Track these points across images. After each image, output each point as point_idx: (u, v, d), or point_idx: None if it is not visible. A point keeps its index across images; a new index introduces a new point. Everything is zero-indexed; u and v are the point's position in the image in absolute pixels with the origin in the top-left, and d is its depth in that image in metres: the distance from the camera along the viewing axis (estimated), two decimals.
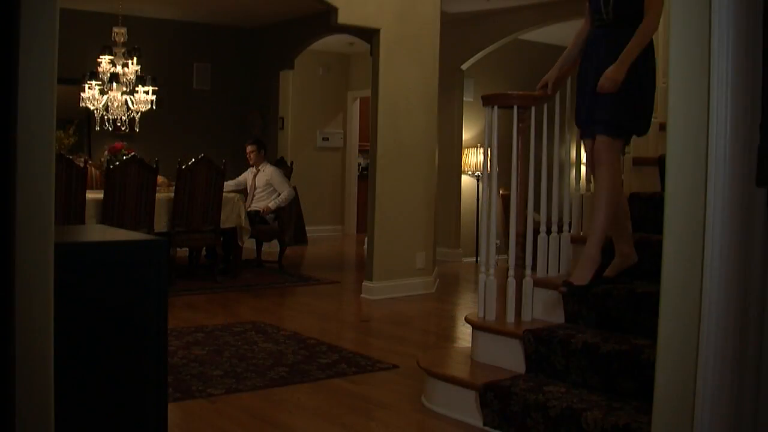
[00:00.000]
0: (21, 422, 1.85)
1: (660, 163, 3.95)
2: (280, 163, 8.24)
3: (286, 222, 8.00)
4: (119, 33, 7.43)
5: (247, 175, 8.02)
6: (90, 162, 7.51)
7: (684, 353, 2.21)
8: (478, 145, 9.16)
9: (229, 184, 7.54)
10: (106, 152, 7.33)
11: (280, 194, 7.75)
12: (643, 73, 3.41)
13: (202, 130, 9.37)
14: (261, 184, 7.84)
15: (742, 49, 2.13)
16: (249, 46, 9.77)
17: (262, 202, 7.78)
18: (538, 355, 3.39)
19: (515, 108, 3.68)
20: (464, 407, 3.40)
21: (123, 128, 7.80)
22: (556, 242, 3.82)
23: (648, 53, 3.43)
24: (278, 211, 7.77)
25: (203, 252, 7.76)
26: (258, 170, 7.89)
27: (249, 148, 7.88)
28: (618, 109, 3.38)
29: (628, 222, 3.60)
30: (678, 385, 2.23)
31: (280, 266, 7.88)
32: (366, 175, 9.30)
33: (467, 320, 3.81)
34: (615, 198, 3.42)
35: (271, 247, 8.60)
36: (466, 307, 6.30)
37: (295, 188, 7.96)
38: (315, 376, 4.11)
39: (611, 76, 3.34)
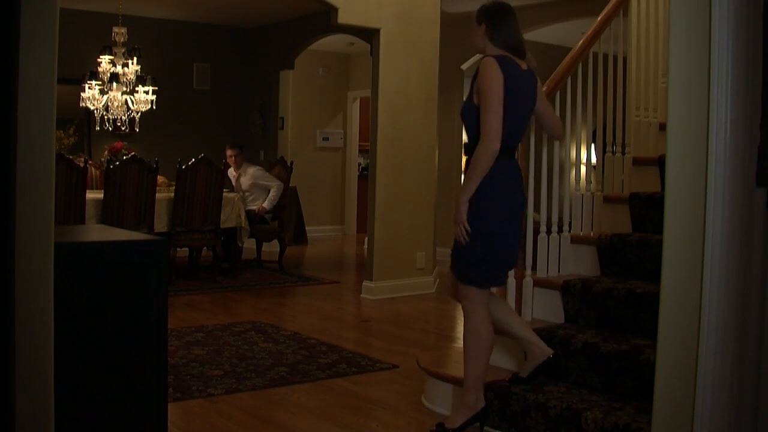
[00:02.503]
0: (21, 422, 1.85)
1: (660, 163, 3.95)
2: (281, 163, 8.21)
3: (287, 222, 7.99)
4: (119, 33, 7.43)
5: (230, 177, 7.90)
6: (90, 162, 7.51)
7: (684, 353, 2.21)
8: None
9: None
10: (106, 152, 7.32)
11: (269, 191, 7.72)
12: (484, 215, 3.03)
13: (202, 130, 9.37)
14: (247, 186, 7.79)
15: (742, 48, 2.13)
16: (249, 46, 9.77)
17: (255, 203, 7.76)
18: None
19: None
20: None
21: (123, 128, 7.80)
22: (556, 242, 3.82)
23: (488, 191, 3.01)
24: (275, 210, 7.76)
25: (203, 252, 7.76)
26: (239, 173, 7.83)
27: (231, 152, 7.70)
28: (462, 259, 3.11)
29: (519, 325, 3.29)
30: (678, 385, 2.23)
31: (281, 266, 7.88)
32: (366, 175, 9.30)
33: None
34: (481, 343, 3.11)
35: (271, 247, 8.60)
36: None
37: (282, 182, 7.91)
38: (315, 376, 4.11)
39: (454, 218, 3.05)
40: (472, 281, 3.11)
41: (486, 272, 3.11)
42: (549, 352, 3.22)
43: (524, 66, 3.15)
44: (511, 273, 3.70)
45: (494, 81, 2.98)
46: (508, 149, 3.09)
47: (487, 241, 3.06)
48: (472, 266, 3.09)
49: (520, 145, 3.61)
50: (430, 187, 6.91)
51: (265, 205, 7.67)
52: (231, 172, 7.87)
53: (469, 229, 3.02)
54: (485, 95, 2.99)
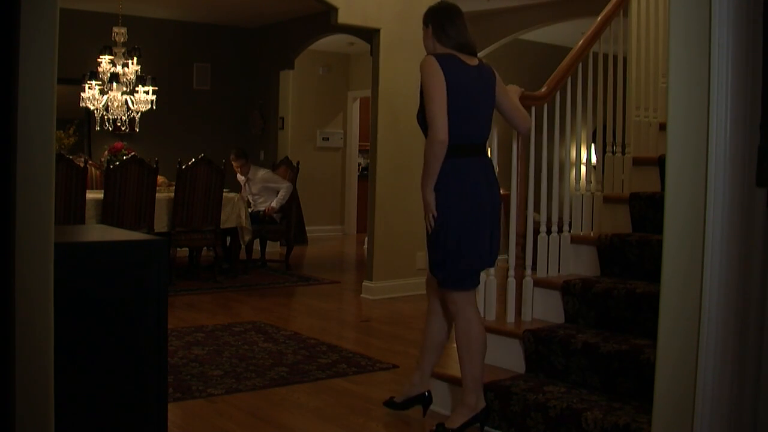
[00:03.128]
0: (21, 422, 1.85)
1: (660, 163, 3.95)
2: (285, 163, 8.17)
3: (293, 221, 8.00)
4: (119, 33, 7.42)
5: (239, 180, 7.93)
6: (90, 162, 7.50)
7: (684, 353, 2.21)
8: None
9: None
10: (106, 152, 7.33)
11: (278, 191, 7.73)
12: (450, 214, 3.06)
13: (202, 130, 9.37)
14: (257, 190, 7.79)
15: (742, 48, 2.13)
16: (249, 46, 9.77)
17: (264, 204, 7.76)
18: (538, 355, 3.39)
19: None
20: None
21: (123, 128, 7.80)
22: (556, 242, 3.82)
23: (452, 189, 3.06)
24: (282, 209, 7.76)
25: (203, 252, 7.76)
26: (247, 178, 7.80)
27: (237, 163, 7.68)
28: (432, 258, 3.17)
29: (432, 350, 3.36)
30: (678, 385, 2.23)
31: (288, 265, 7.89)
32: (366, 175, 9.30)
33: None
34: (473, 344, 3.15)
35: (273, 247, 8.58)
36: None
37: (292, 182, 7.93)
38: (315, 376, 4.11)
39: (424, 210, 3.13)
40: (449, 286, 3.14)
41: (456, 272, 3.12)
42: (427, 388, 3.39)
43: (474, 62, 3.16)
44: (511, 273, 3.71)
45: (432, 77, 3.01)
46: (470, 147, 3.10)
47: (454, 242, 3.07)
48: (442, 269, 3.12)
49: (519, 143, 3.63)
50: None
51: (274, 204, 7.66)
52: (239, 177, 7.89)
53: (436, 214, 3.06)
54: (426, 92, 3.03)
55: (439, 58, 3.05)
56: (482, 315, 3.71)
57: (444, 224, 3.07)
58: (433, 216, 3.06)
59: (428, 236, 3.14)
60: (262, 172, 7.81)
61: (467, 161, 3.08)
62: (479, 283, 3.33)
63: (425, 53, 3.18)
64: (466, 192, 3.07)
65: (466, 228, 3.07)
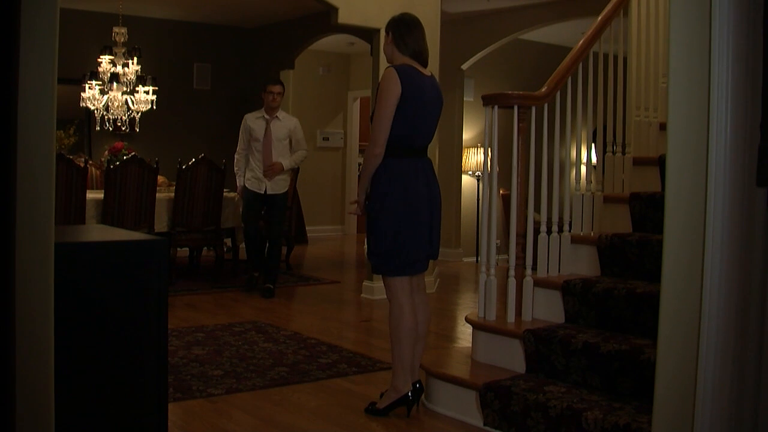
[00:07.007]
0: (21, 422, 1.85)
1: (660, 163, 3.96)
2: None
3: (293, 221, 7.98)
4: (119, 33, 7.43)
5: (253, 127, 6.39)
6: (90, 162, 7.51)
7: (684, 353, 2.21)
8: (478, 145, 9.15)
9: (239, 156, 6.51)
10: (106, 152, 7.33)
11: (298, 151, 6.49)
12: (388, 211, 3.37)
13: (202, 130, 9.37)
14: (282, 135, 6.38)
15: (742, 49, 2.13)
16: (249, 46, 9.77)
17: (282, 159, 6.39)
18: (539, 355, 3.39)
19: (515, 108, 3.68)
20: (464, 407, 3.41)
21: (123, 128, 7.80)
22: (556, 242, 3.82)
23: (392, 188, 3.35)
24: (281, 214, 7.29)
25: (204, 252, 7.75)
26: (273, 117, 6.38)
27: (276, 88, 6.32)
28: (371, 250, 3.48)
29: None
30: (678, 385, 2.23)
31: (288, 265, 7.88)
32: None
33: (467, 320, 3.81)
34: (401, 330, 3.38)
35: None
36: (466, 307, 6.29)
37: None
38: (315, 376, 4.11)
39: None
40: (380, 272, 3.44)
41: (392, 261, 3.39)
42: (408, 389, 3.42)
43: (427, 73, 3.48)
44: (511, 273, 3.71)
45: (389, 92, 3.31)
46: (413, 150, 3.42)
47: (391, 236, 3.36)
48: (377, 258, 3.42)
49: (520, 143, 3.63)
50: None
51: (285, 164, 6.38)
52: (258, 119, 6.40)
53: (362, 204, 3.48)
54: (379, 104, 3.33)
55: (400, 70, 3.33)
56: (483, 315, 3.72)
57: (385, 218, 3.36)
58: (358, 204, 3.52)
59: (368, 227, 3.46)
60: (294, 119, 6.61)
61: (408, 162, 3.39)
62: (416, 272, 3.49)
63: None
64: (405, 190, 3.36)
65: (404, 222, 3.36)
